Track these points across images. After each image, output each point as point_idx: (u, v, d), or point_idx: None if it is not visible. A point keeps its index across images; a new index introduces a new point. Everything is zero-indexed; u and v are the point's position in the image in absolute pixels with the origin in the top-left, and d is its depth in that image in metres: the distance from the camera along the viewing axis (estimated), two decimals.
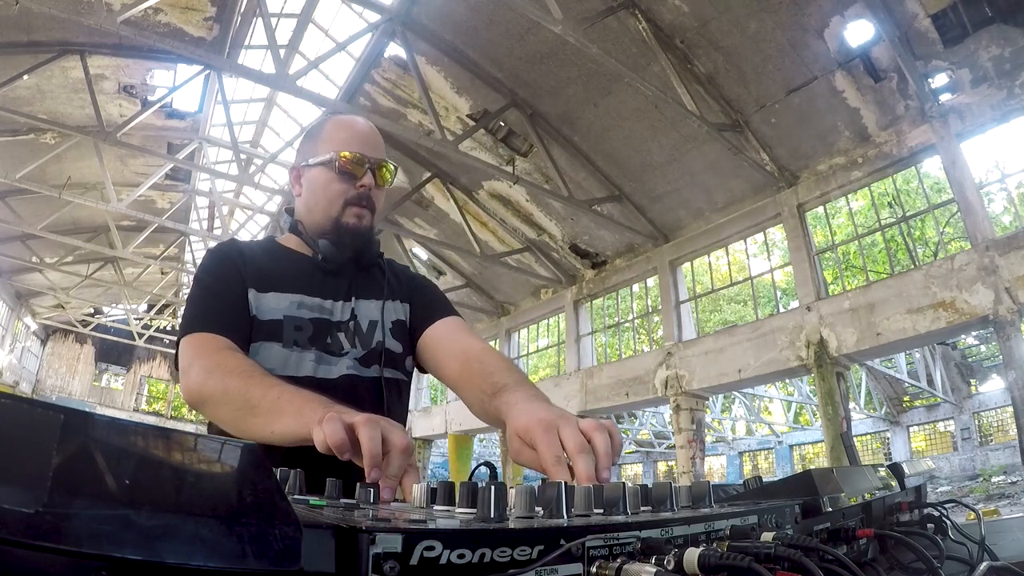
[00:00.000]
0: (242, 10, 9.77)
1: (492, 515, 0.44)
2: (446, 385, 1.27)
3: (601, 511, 0.54)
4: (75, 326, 23.31)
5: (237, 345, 1.10)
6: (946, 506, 0.97)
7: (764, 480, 0.84)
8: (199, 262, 1.27)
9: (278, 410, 0.91)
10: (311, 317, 1.21)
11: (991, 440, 18.71)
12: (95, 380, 25.63)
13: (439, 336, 1.29)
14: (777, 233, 11.70)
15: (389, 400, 1.24)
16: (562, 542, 0.39)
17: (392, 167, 1.31)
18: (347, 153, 1.24)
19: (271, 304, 1.19)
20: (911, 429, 20.58)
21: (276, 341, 1.16)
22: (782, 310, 11.67)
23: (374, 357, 1.25)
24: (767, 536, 0.50)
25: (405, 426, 1.29)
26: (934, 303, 8.05)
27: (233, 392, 0.97)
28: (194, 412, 29.18)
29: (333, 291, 1.26)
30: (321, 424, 0.77)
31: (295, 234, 1.32)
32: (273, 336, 1.16)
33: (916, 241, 15.19)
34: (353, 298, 1.28)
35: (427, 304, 1.37)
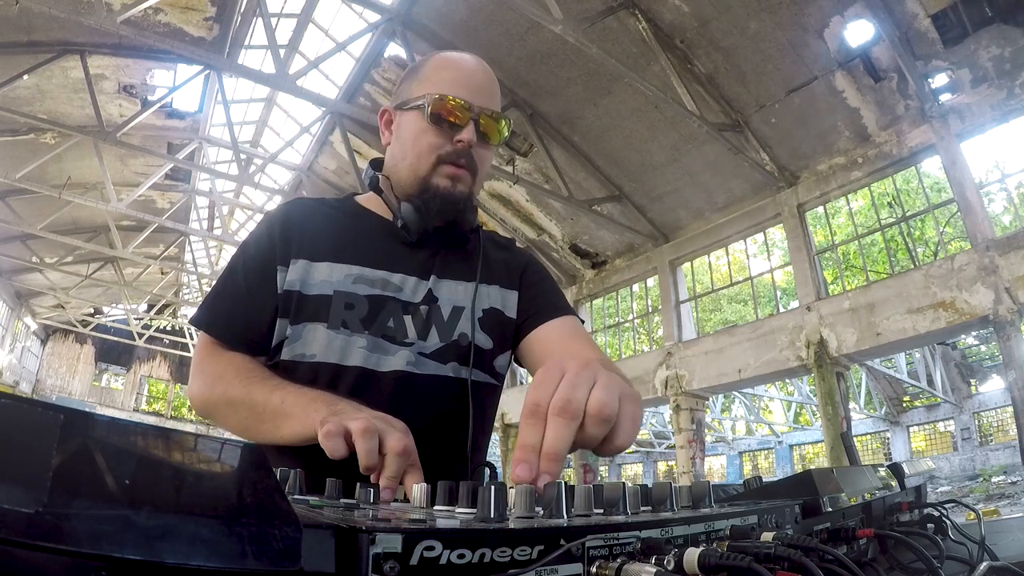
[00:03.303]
0: (242, 10, 9.77)
1: (492, 515, 0.44)
2: None
3: (601, 511, 0.55)
4: (75, 326, 23.33)
5: (245, 346, 1.01)
6: (946, 506, 0.97)
7: (764, 480, 0.84)
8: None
9: (284, 414, 0.86)
10: (368, 293, 1.01)
11: (991, 440, 18.71)
12: (95, 380, 25.64)
13: (549, 339, 1.07)
14: (777, 233, 11.71)
15: (473, 407, 1.01)
16: (562, 542, 0.39)
17: (504, 120, 1.06)
18: (445, 97, 1.01)
19: (322, 276, 1.00)
20: (911, 429, 20.59)
21: (321, 321, 0.98)
22: (782, 310, 11.68)
23: (451, 352, 1.03)
24: (767, 536, 0.50)
25: (488, 436, 1.12)
26: (934, 303, 8.06)
27: (237, 401, 0.93)
28: (194, 412, 29.18)
29: (407, 264, 1.05)
30: (322, 433, 0.75)
31: (375, 192, 1.11)
32: (318, 315, 0.99)
33: (916, 241, 15.20)
34: (433, 276, 1.05)
35: (539, 296, 1.14)
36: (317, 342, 0.98)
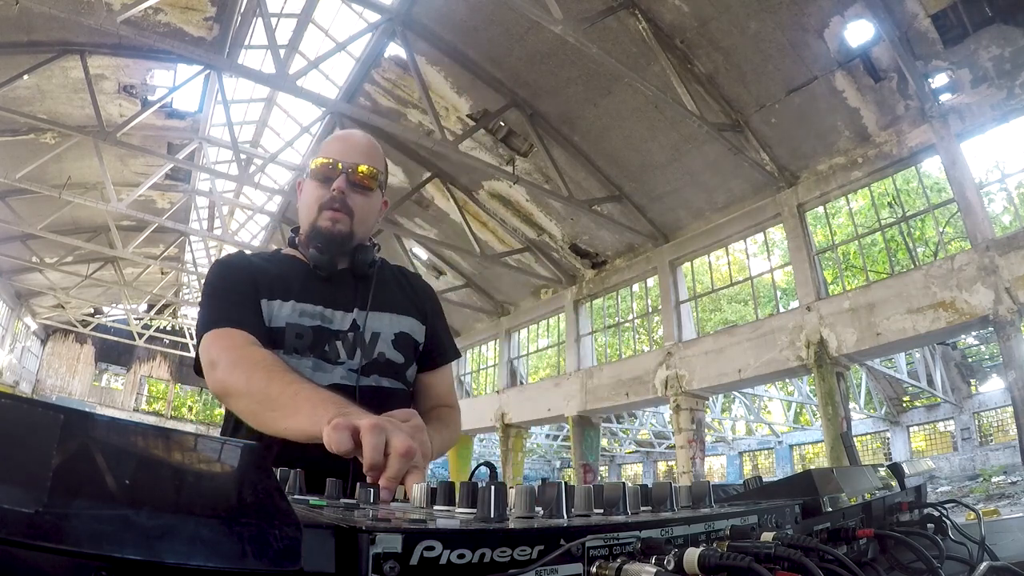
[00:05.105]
0: (242, 10, 9.76)
1: (492, 515, 0.44)
2: None
3: (601, 511, 0.55)
4: (75, 326, 23.31)
5: (259, 341, 1.15)
6: (946, 506, 0.97)
7: (764, 480, 0.84)
8: (205, 276, 1.33)
9: (294, 408, 0.94)
10: (312, 325, 1.25)
11: (991, 440, 18.70)
12: (95, 380, 25.63)
13: (433, 384, 1.43)
14: (777, 233, 11.69)
15: (384, 409, 1.23)
16: (562, 542, 0.39)
17: (372, 170, 1.31)
18: (320, 159, 1.30)
19: (276, 311, 1.24)
20: (911, 429, 20.58)
21: (278, 348, 1.20)
22: (782, 310, 11.67)
23: (373, 367, 1.29)
24: (767, 536, 0.50)
25: None
26: (934, 303, 8.05)
27: (255, 386, 1.02)
28: (194, 412, 29.24)
29: (335, 300, 1.30)
30: (329, 427, 0.78)
31: (292, 246, 1.40)
32: (276, 343, 1.21)
33: (916, 241, 15.18)
34: (356, 309, 1.31)
35: (439, 342, 1.45)
36: None
